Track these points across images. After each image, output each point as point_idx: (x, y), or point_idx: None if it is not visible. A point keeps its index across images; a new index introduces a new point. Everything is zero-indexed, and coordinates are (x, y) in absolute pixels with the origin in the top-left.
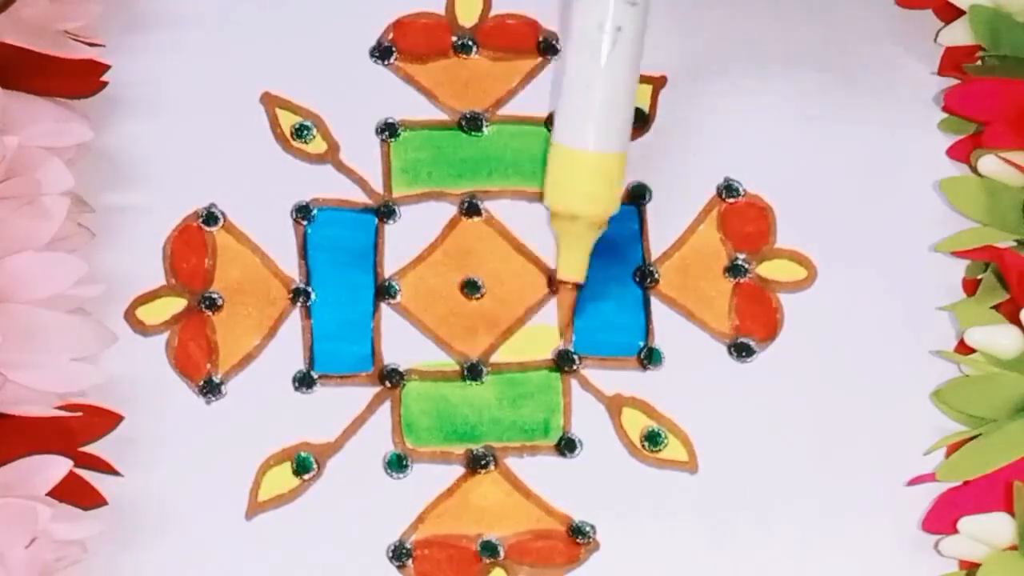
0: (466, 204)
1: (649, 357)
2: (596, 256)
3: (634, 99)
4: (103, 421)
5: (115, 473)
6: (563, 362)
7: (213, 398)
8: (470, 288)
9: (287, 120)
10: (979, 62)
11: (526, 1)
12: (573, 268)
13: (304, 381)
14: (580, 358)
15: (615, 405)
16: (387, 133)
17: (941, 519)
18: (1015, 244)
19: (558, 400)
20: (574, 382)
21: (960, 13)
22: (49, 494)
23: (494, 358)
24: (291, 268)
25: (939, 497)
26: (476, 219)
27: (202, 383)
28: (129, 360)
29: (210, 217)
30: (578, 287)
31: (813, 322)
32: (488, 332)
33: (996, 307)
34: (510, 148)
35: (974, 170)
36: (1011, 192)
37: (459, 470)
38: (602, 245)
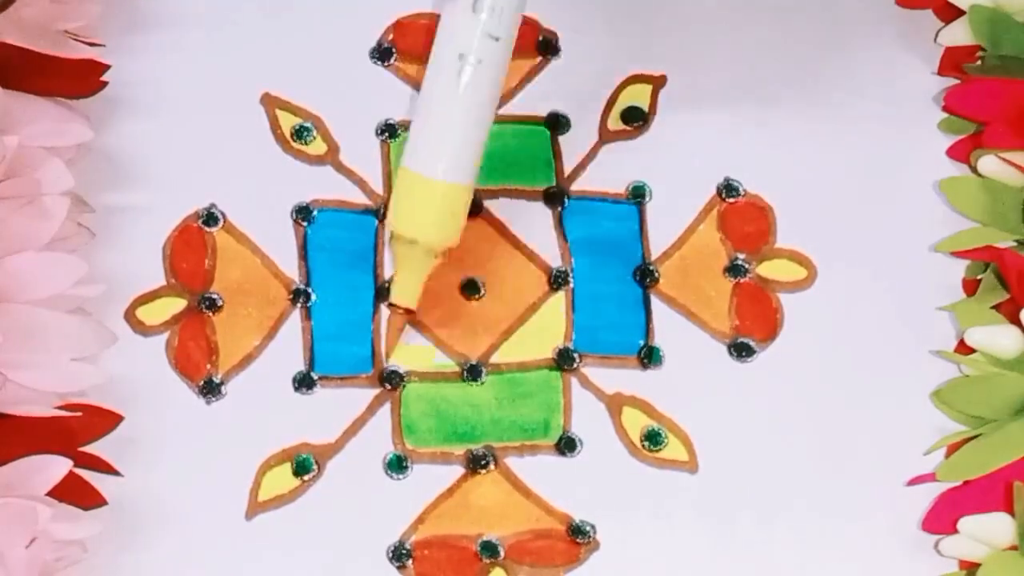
0: None
1: (649, 356)
2: (596, 255)
3: (487, 133)
4: (103, 421)
5: (115, 473)
6: (563, 361)
7: (213, 398)
8: (470, 288)
9: (287, 121)
10: (979, 62)
11: None
12: (406, 294)
13: (304, 382)
14: (580, 356)
15: (615, 404)
16: (387, 134)
17: (941, 519)
18: (1015, 244)
19: (558, 399)
20: (574, 380)
21: (960, 13)
22: (49, 494)
23: (494, 358)
24: (291, 269)
25: (939, 497)
26: (476, 218)
27: (202, 383)
28: (129, 360)
29: (210, 217)
30: (409, 313)
31: (813, 322)
32: (488, 333)
33: (996, 307)
34: (510, 147)
35: (974, 170)
36: (1011, 192)
37: (459, 470)
38: (603, 244)
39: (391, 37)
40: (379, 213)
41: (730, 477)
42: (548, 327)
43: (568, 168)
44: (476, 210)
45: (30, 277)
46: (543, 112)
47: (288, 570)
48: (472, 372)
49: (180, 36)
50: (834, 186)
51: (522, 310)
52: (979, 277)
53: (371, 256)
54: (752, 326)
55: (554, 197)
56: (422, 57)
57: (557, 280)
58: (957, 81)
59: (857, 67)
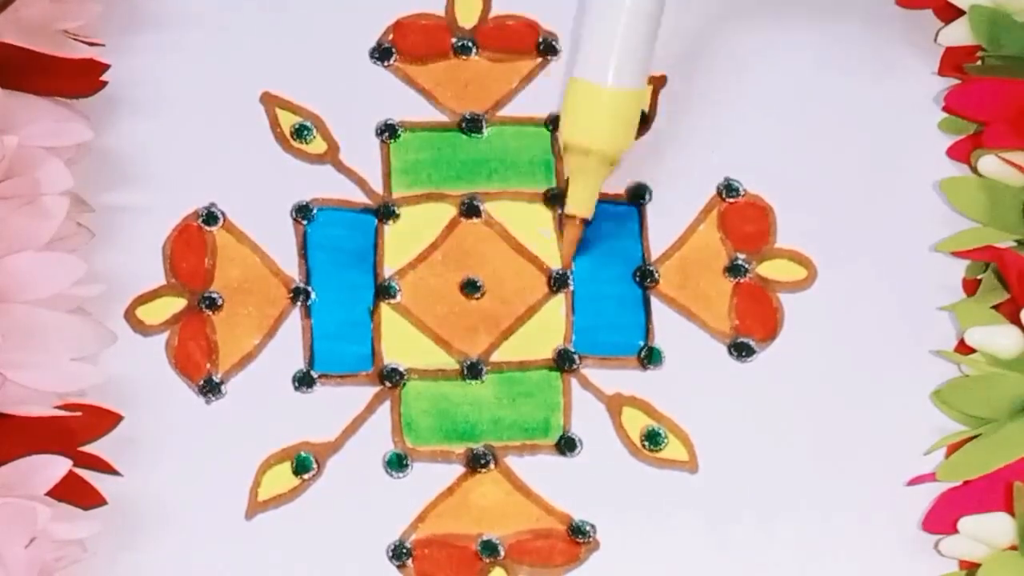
0: (466, 205)
1: (649, 357)
2: (596, 255)
3: (655, 38)
4: (103, 421)
5: (115, 473)
6: (563, 361)
7: (213, 398)
8: (470, 288)
9: (287, 120)
10: (979, 62)
11: (526, 2)
12: (582, 203)
13: (304, 381)
14: (580, 357)
15: (615, 404)
16: (387, 134)
17: (941, 519)
18: (1015, 244)
19: (558, 399)
20: (574, 381)
21: (960, 13)
22: (49, 494)
23: (494, 356)
24: (291, 268)
25: (939, 497)
26: (476, 220)
27: (202, 383)
28: (129, 360)
29: (210, 217)
30: (584, 223)
31: (813, 322)
32: (488, 332)
33: (996, 307)
34: (510, 149)
35: (974, 170)
36: (1011, 192)
37: (459, 469)
38: (602, 244)
39: (391, 37)
40: (378, 212)
41: (730, 477)
42: (548, 328)
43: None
44: (475, 212)
45: (30, 277)
46: (543, 113)
47: (288, 570)
48: (472, 370)
49: (180, 36)
50: (834, 186)
51: (522, 310)
52: (979, 277)
53: (371, 255)
54: (752, 326)
55: (554, 199)
56: (422, 57)
57: (557, 282)
58: (957, 81)
59: (857, 67)
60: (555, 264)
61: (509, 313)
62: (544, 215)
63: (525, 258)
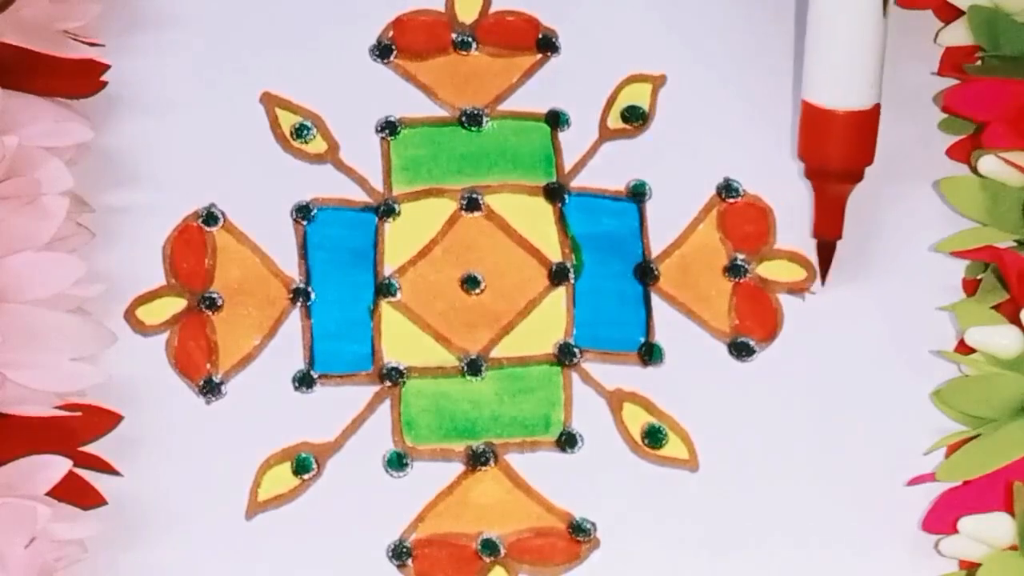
0: (466, 200)
1: (650, 353)
2: (596, 251)
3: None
4: (103, 421)
5: (115, 473)
6: (564, 355)
7: (213, 398)
8: (470, 283)
9: (287, 120)
10: (979, 62)
11: None
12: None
13: (304, 381)
14: (581, 351)
15: (616, 400)
16: (387, 131)
17: (941, 519)
18: (1015, 244)
19: (559, 394)
20: (575, 376)
21: (960, 13)
22: (49, 494)
23: (494, 352)
24: (291, 268)
25: (939, 497)
26: (476, 214)
27: (202, 383)
28: (129, 360)
29: (210, 217)
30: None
31: (813, 322)
32: (488, 327)
33: (996, 307)
34: (510, 143)
35: (974, 170)
36: (1011, 192)
37: (459, 467)
38: (603, 240)
39: (391, 34)
40: (379, 210)
41: (730, 476)
42: (549, 322)
43: (568, 164)
44: (475, 206)
45: (30, 277)
46: (543, 108)
47: (288, 570)
48: (472, 367)
49: (180, 36)
50: None
51: (523, 305)
52: (979, 277)
53: (371, 254)
54: (752, 326)
55: (555, 193)
56: (422, 53)
57: (557, 275)
58: (957, 81)
59: None
60: (555, 257)
61: (509, 308)
62: (544, 209)
63: (526, 252)
